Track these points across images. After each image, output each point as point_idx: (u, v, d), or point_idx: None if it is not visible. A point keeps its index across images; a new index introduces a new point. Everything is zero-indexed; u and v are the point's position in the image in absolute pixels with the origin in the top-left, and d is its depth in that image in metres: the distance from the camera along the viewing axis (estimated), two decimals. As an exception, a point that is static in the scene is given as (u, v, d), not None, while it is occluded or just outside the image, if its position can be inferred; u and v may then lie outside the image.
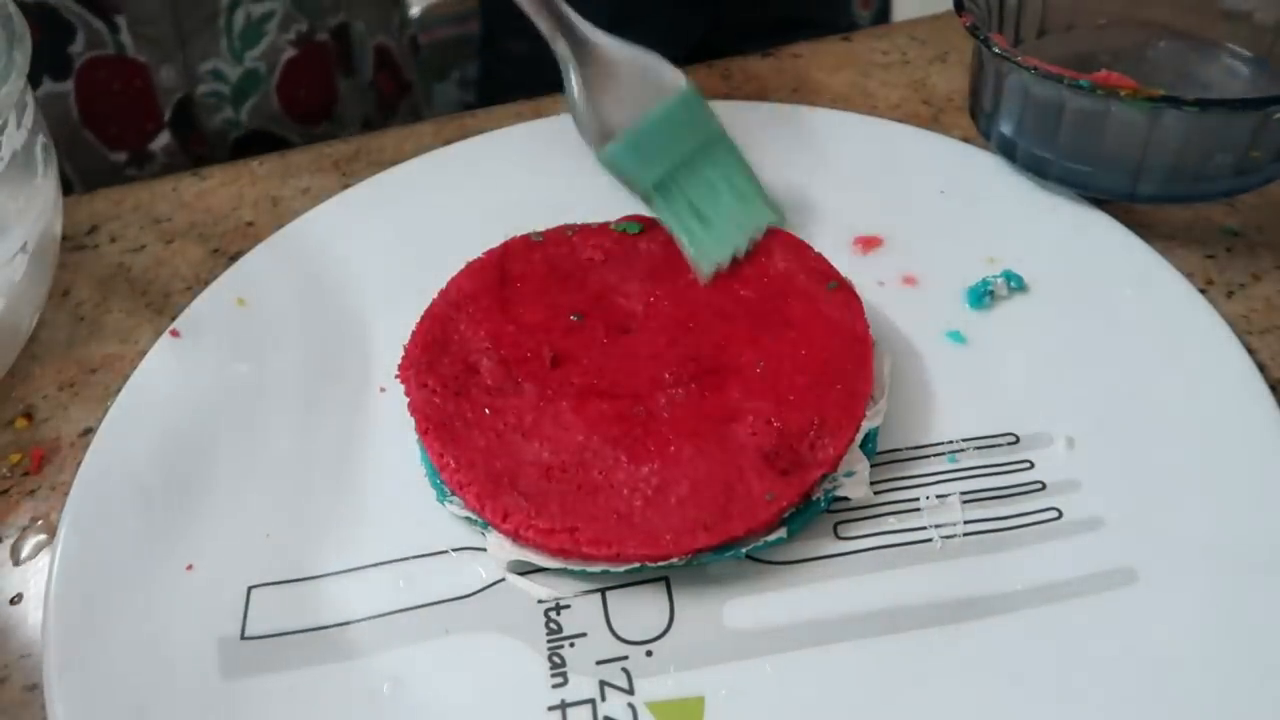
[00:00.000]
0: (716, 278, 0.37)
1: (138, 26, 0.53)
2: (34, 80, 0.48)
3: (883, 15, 0.80)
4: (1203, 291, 0.37)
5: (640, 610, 0.30)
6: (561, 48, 0.39)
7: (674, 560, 0.30)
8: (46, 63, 0.52)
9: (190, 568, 0.32)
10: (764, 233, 0.38)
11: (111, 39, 0.53)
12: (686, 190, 0.38)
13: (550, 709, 0.28)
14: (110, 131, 0.56)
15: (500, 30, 0.76)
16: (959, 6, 0.41)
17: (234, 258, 0.43)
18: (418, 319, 0.36)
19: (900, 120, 0.47)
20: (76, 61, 0.53)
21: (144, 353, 0.38)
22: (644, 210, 0.39)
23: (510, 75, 0.76)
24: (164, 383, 0.37)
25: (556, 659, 0.29)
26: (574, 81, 0.39)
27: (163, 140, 0.57)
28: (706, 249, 0.37)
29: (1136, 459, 0.32)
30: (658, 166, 0.38)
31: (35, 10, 0.50)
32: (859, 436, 0.32)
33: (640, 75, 0.40)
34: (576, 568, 0.30)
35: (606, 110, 0.39)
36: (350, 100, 0.62)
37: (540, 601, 0.30)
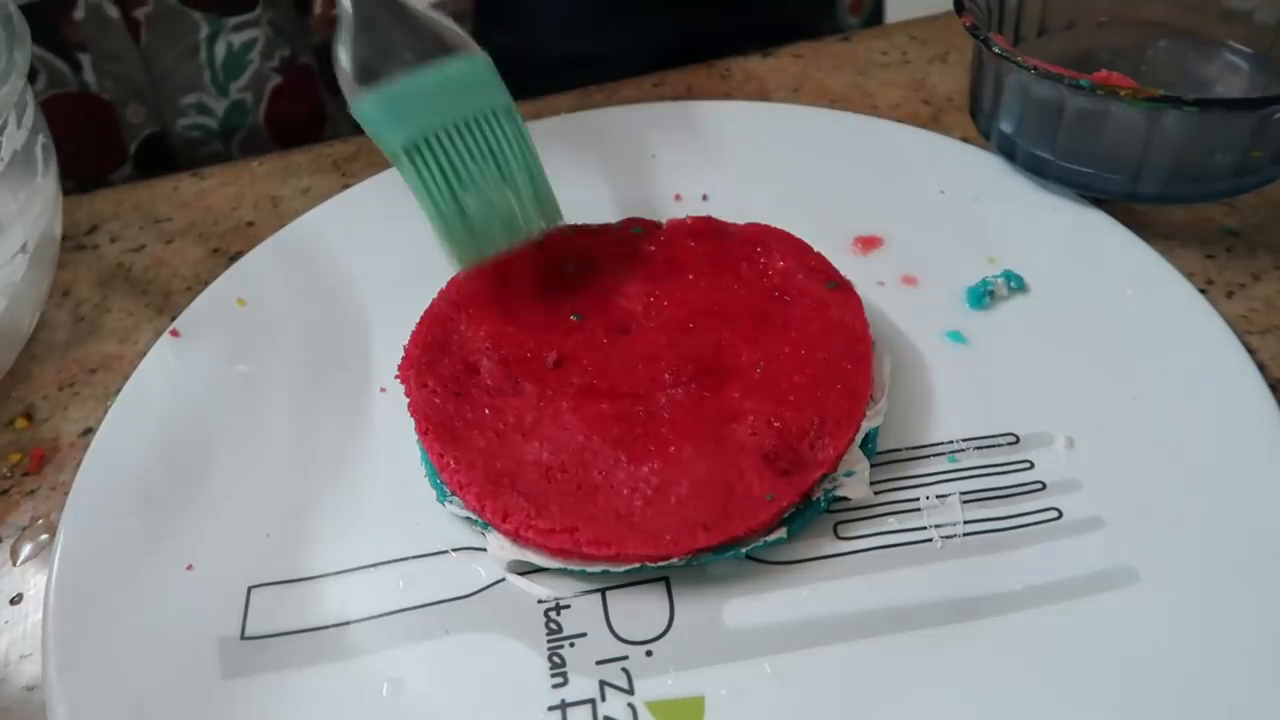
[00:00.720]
0: (716, 278, 0.37)
1: (104, 64, 0.52)
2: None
3: (875, 21, 0.80)
4: (1203, 291, 0.37)
5: (640, 610, 0.30)
6: None
7: (674, 560, 0.30)
8: None
9: (190, 568, 0.32)
10: (538, 234, 0.34)
11: (74, 78, 0.52)
12: (446, 162, 0.33)
13: (550, 709, 0.28)
14: (59, 161, 0.55)
15: (486, 23, 0.76)
16: (959, 6, 0.41)
17: (234, 258, 0.43)
18: (418, 319, 0.36)
19: (900, 120, 0.47)
20: (37, 99, 0.52)
21: (144, 353, 0.38)
22: (640, 212, 0.39)
23: (499, 67, 0.75)
24: (164, 383, 0.37)
25: (556, 659, 0.29)
26: (346, 6, 0.34)
27: (124, 173, 0.55)
28: (457, 239, 0.33)
29: (1136, 459, 0.32)
30: (412, 128, 0.33)
31: None
32: (859, 436, 0.32)
33: (429, 30, 0.34)
34: (576, 568, 0.30)
35: (374, 53, 0.33)
36: (340, 119, 0.61)
37: (540, 601, 0.30)
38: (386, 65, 0.33)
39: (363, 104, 0.33)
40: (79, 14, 0.50)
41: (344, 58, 0.34)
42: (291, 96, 0.58)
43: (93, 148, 0.54)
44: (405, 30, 0.34)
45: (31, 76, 0.49)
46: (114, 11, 0.51)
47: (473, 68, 0.34)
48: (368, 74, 0.33)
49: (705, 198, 0.43)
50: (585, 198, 0.41)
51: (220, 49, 0.54)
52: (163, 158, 0.56)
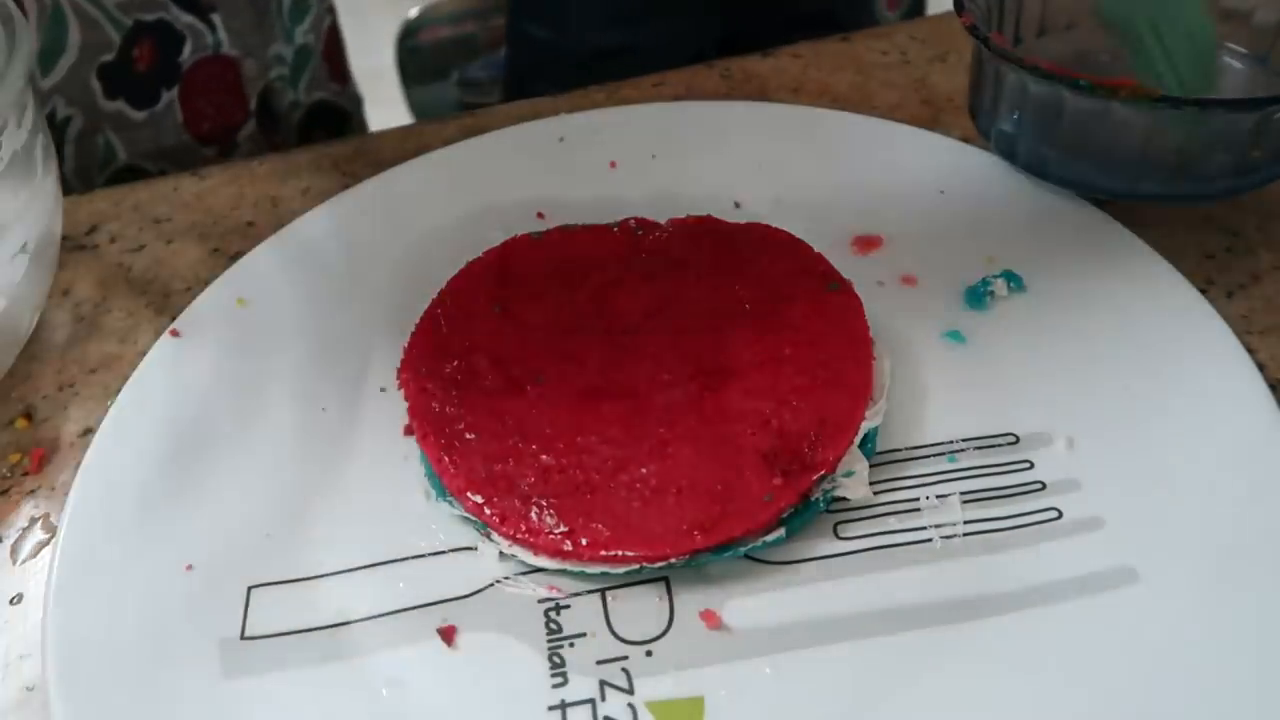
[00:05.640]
0: (716, 278, 0.37)
1: (229, 21, 0.55)
2: (152, 95, 0.52)
3: (915, 14, 0.79)
4: (1203, 291, 0.37)
5: (640, 610, 0.30)
6: None
7: (673, 560, 0.30)
8: (161, 75, 0.54)
9: (190, 568, 0.32)
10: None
11: (212, 39, 0.55)
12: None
13: (550, 709, 0.28)
14: (204, 128, 0.58)
15: (522, 16, 0.77)
16: (959, 6, 0.41)
17: (234, 258, 0.43)
18: (418, 319, 0.36)
19: (900, 120, 0.47)
20: (184, 68, 0.55)
21: (144, 353, 0.38)
22: (643, 211, 0.40)
23: (532, 61, 0.77)
24: (164, 383, 0.37)
25: (556, 659, 0.29)
26: None
27: (248, 130, 0.59)
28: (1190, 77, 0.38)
29: (1136, 459, 0.32)
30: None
31: (154, 26, 0.52)
32: (858, 437, 0.32)
33: None
34: (576, 568, 0.30)
35: None
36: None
37: (540, 601, 0.30)
38: None
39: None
40: None
41: None
42: (337, 35, 0.63)
43: (225, 108, 0.58)
44: None
45: (180, 45, 0.53)
46: None
47: None
48: None
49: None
50: (585, 198, 0.41)
51: None
52: (265, 111, 0.60)
